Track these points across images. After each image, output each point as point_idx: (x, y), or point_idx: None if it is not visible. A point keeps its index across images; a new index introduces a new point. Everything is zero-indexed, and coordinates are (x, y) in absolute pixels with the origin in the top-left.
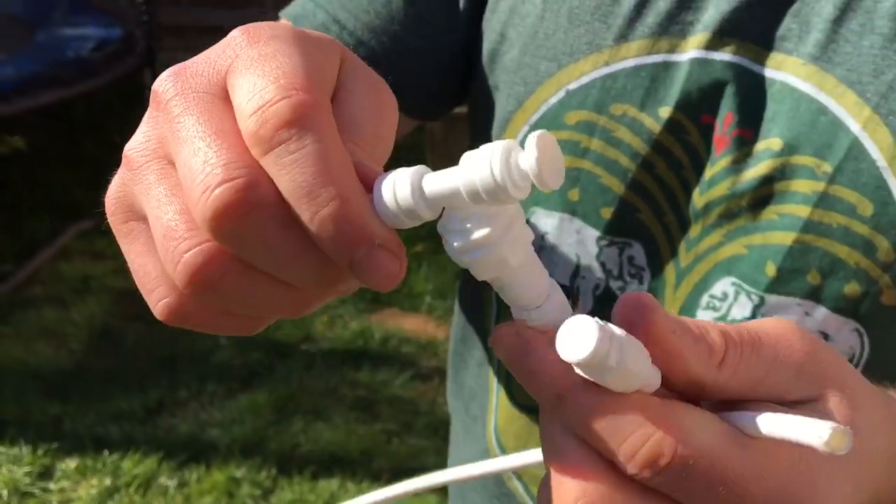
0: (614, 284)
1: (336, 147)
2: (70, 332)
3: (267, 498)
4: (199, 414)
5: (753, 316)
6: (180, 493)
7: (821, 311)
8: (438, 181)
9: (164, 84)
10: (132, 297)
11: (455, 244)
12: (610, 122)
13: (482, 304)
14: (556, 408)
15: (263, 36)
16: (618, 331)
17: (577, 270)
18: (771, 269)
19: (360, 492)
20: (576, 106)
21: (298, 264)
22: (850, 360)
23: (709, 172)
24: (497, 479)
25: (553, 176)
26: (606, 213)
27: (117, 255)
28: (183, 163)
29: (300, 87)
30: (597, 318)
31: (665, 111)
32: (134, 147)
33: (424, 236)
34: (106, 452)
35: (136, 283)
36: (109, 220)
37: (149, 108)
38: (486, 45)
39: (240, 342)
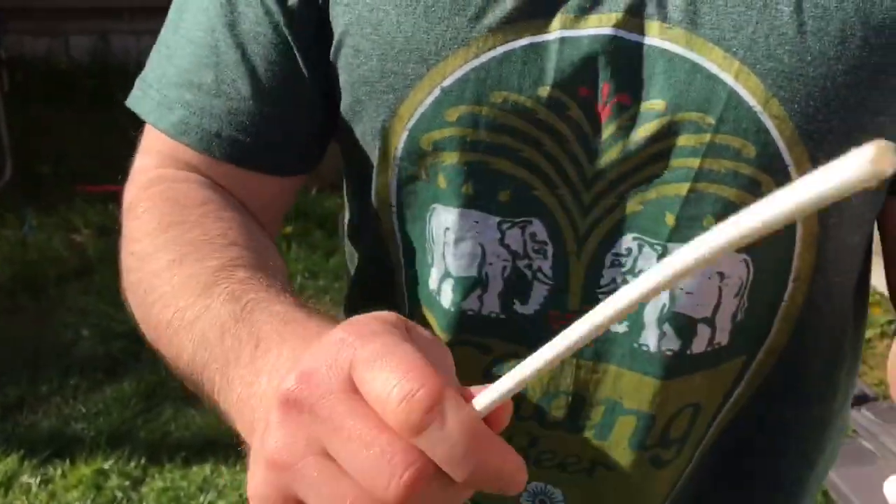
0: (521, 263)
1: (467, 415)
2: None
3: (137, 488)
4: (63, 408)
5: (658, 256)
6: (44, 490)
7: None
8: None
9: (298, 389)
10: None
11: None
12: (492, 111)
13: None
14: None
15: (369, 333)
16: None
17: (483, 258)
18: (670, 220)
19: (234, 475)
20: (454, 102)
21: None
22: (738, 290)
23: (597, 141)
24: None
25: None
26: (504, 196)
27: None
28: (354, 455)
29: (428, 374)
30: None
31: (543, 91)
32: (278, 448)
33: (293, 217)
34: None
35: None
36: None
37: (280, 412)
38: (342, 67)
39: (102, 332)
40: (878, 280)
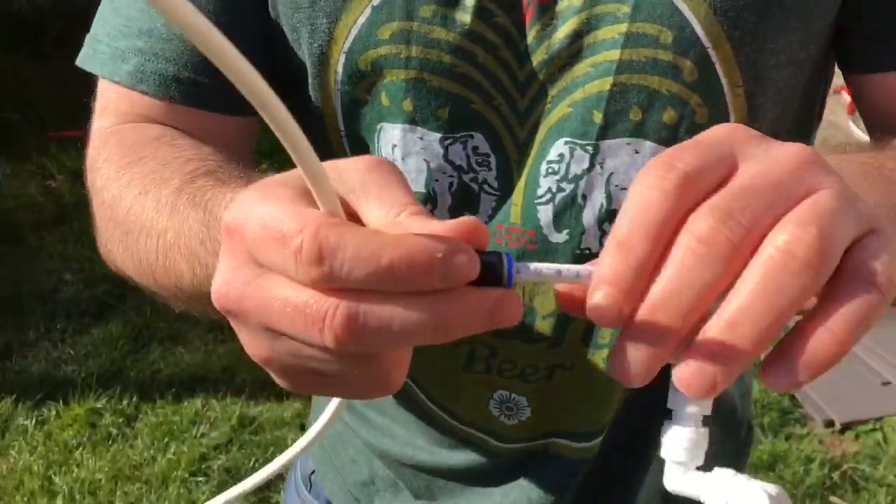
0: (466, 178)
1: (367, 237)
2: None
3: (130, 424)
4: (51, 352)
5: (592, 166)
6: (40, 430)
7: (647, 146)
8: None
9: (223, 293)
10: None
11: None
12: (423, 26)
13: None
14: None
15: (247, 209)
16: None
17: (430, 175)
18: (598, 117)
19: (225, 408)
20: (385, 20)
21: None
22: None
23: (524, 45)
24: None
25: None
26: (443, 113)
27: None
28: (287, 328)
29: (300, 224)
30: None
31: (470, 1)
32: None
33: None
34: None
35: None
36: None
37: (229, 318)
38: None
39: (86, 277)
40: None
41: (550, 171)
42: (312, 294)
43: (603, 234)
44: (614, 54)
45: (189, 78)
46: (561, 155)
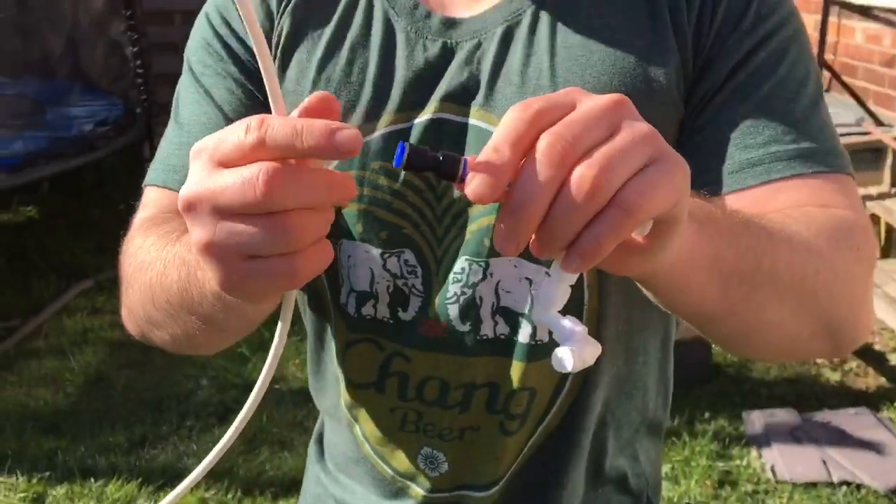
0: (399, 282)
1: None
2: (68, 378)
3: None
4: (178, 446)
5: (484, 276)
6: None
7: (523, 262)
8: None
9: (188, 191)
10: (126, 348)
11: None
12: (372, 175)
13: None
14: None
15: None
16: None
17: (373, 278)
18: (487, 243)
19: None
20: (347, 168)
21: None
22: None
23: (440, 190)
24: (354, 445)
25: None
26: (383, 235)
27: (115, 310)
28: (228, 197)
29: (248, 124)
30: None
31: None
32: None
33: None
34: (92, 480)
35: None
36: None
37: (188, 216)
38: None
39: (218, 383)
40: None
41: (456, 279)
42: (249, 166)
43: (495, 324)
44: None
45: None
46: (463, 268)
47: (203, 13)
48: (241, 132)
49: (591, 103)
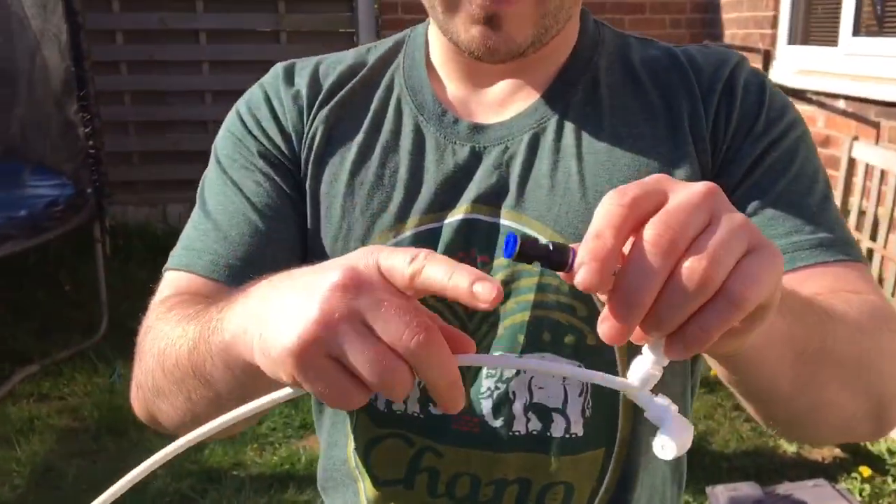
0: None
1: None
2: (15, 469)
3: None
4: None
5: (517, 373)
6: None
7: (556, 359)
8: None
9: (345, 277)
10: (76, 435)
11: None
12: None
13: None
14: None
15: (377, 250)
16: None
17: None
18: (521, 338)
19: None
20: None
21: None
22: (580, 390)
23: None
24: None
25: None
26: None
27: (62, 396)
28: (388, 320)
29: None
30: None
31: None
32: (330, 310)
33: None
34: None
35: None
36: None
37: (330, 292)
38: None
39: (174, 471)
40: None
41: (489, 374)
42: (416, 310)
43: (528, 420)
44: (529, 297)
45: (249, 271)
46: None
47: (235, 109)
48: (406, 258)
49: (686, 192)
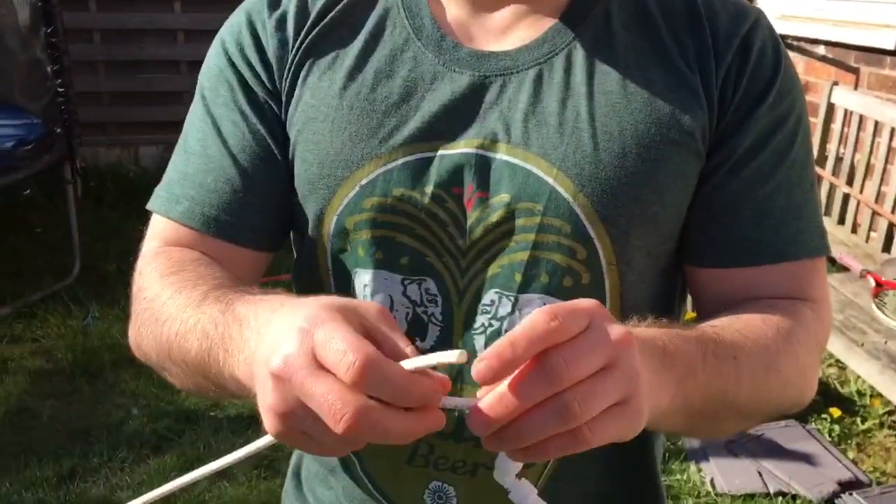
0: (419, 310)
1: (393, 370)
2: None
3: None
4: (111, 479)
5: (513, 311)
6: None
7: (551, 300)
8: None
9: (280, 369)
10: (50, 377)
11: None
12: (394, 201)
13: None
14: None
15: (320, 322)
16: None
17: (392, 306)
18: (518, 277)
19: None
20: (369, 194)
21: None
22: None
23: (466, 223)
24: (350, 483)
25: None
26: (405, 260)
27: (37, 338)
28: (318, 408)
29: (360, 347)
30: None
31: (429, 189)
32: (276, 404)
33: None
34: None
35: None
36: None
37: (272, 382)
38: (294, 170)
39: (150, 412)
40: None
41: (484, 311)
42: (340, 395)
43: None
44: (530, 236)
45: (225, 220)
46: (492, 300)
47: (218, 39)
48: (348, 358)
49: (599, 334)
